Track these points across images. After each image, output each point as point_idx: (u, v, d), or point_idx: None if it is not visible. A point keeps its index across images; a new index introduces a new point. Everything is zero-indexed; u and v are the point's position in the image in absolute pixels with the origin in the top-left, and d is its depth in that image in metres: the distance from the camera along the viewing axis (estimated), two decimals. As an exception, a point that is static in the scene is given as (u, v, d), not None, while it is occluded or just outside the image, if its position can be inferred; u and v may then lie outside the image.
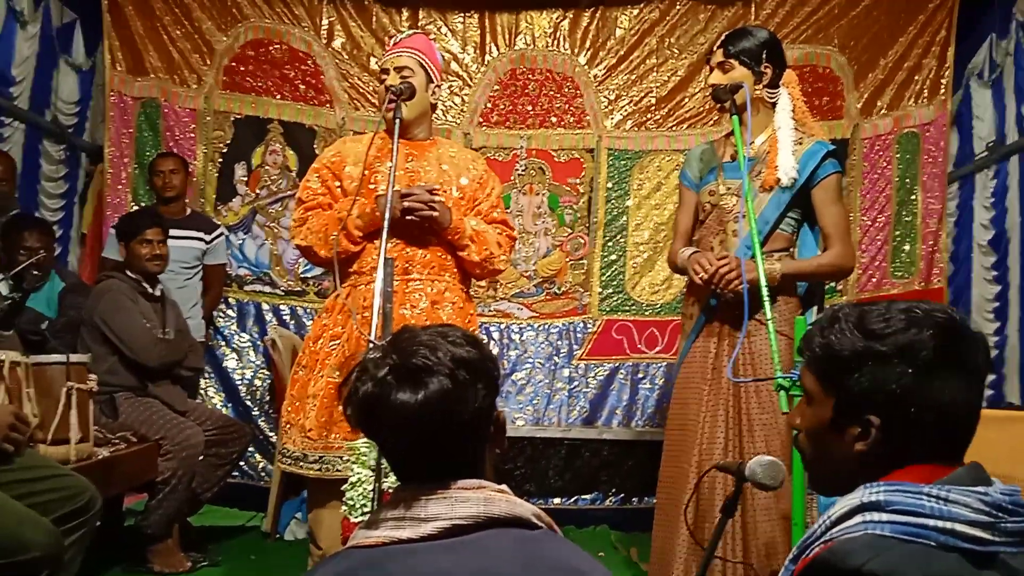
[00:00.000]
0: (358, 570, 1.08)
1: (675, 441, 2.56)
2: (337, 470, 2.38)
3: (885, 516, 1.02)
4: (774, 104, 2.58)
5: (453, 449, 1.14)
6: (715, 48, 2.60)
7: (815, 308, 2.63)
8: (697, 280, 2.46)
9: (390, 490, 1.99)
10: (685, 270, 2.59)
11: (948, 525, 1.00)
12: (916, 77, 4.38)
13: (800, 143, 2.55)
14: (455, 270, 2.54)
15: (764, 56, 2.55)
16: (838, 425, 1.13)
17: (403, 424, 1.11)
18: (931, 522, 1.00)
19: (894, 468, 1.10)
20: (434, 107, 2.67)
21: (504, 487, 1.16)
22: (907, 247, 4.42)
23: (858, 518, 1.04)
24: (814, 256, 2.58)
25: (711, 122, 4.41)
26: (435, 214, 2.42)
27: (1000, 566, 1.00)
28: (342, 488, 2.12)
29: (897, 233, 4.42)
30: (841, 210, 2.58)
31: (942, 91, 4.36)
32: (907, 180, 4.42)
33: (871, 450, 1.11)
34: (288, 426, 2.48)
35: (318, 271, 4.34)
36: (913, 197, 4.41)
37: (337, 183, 2.55)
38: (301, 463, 2.43)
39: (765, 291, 2.21)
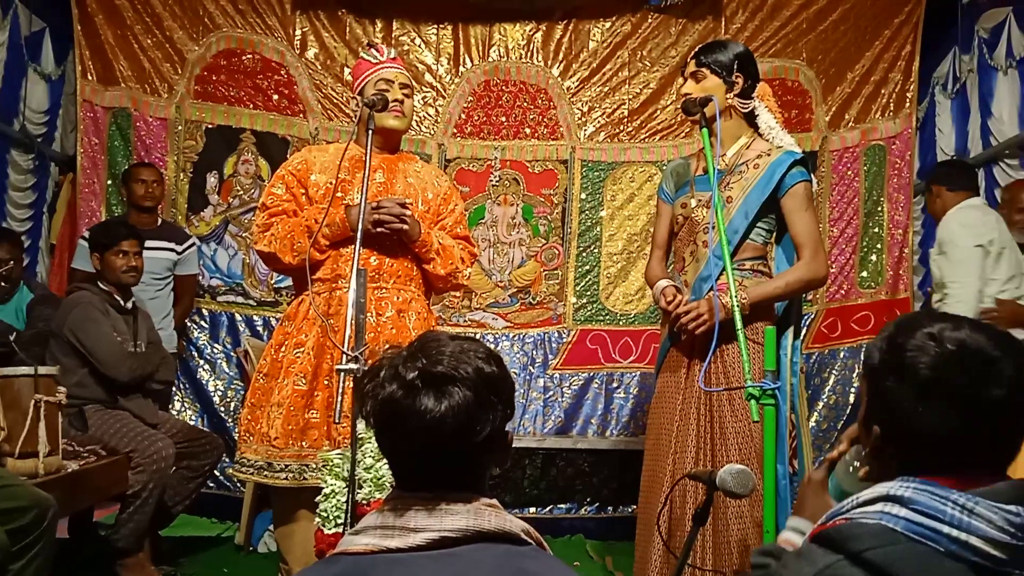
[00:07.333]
0: None
1: (651, 450, 2.59)
2: (304, 478, 2.36)
3: (904, 512, 1.01)
4: (746, 115, 2.62)
5: (460, 462, 1.15)
6: (689, 60, 2.66)
7: (791, 328, 2.60)
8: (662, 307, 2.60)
9: (364, 502, 2.00)
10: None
11: (963, 536, 0.98)
12: (883, 91, 4.47)
13: (768, 153, 2.57)
14: (420, 282, 2.59)
15: (735, 67, 2.58)
16: (867, 423, 1.16)
17: (419, 430, 1.11)
18: (946, 528, 0.99)
19: (915, 473, 1.08)
20: None
21: (495, 501, 1.16)
22: (874, 258, 4.50)
23: (879, 506, 1.04)
24: (779, 275, 2.57)
25: (683, 134, 4.47)
26: (406, 227, 2.44)
27: None
28: (315, 500, 2.10)
29: (864, 244, 4.50)
30: (810, 217, 2.56)
31: (907, 105, 4.45)
32: (874, 192, 4.50)
33: (883, 453, 1.13)
34: (248, 435, 2.44)
35: (291, 281, 4.32)
36: (880, 209, 4.50)
37: (302, 190, 2.57)
38: (266, 472, 2.39)
39: (735, 300, 2.23)
